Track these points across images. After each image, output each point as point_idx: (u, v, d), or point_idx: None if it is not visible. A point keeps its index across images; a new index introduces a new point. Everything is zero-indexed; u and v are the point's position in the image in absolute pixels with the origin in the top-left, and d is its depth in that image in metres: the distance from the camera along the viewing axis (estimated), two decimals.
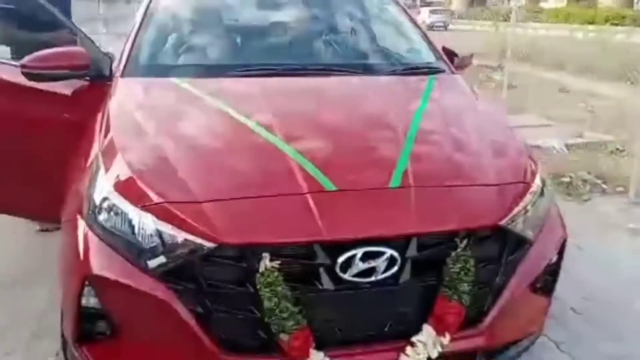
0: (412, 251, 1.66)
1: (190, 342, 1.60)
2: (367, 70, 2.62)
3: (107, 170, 1.78)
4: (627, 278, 3.08)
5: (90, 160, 1.91)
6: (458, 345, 1.75)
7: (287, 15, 2.90)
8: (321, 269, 1.60)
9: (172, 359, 1.67)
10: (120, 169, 1.77)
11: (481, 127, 2.19)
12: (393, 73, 2.62)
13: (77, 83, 2.49)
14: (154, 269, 1.59)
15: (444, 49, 2.91)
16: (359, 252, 1.59)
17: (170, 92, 2.29)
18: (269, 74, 2.41)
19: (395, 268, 1.64)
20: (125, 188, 1.70)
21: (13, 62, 2.52)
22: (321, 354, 1.62)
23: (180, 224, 1.58)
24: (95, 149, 1.93)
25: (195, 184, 1.68)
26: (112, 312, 1.67)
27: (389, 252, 1.62)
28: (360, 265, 1.60)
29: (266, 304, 1.55)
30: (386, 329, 1.72)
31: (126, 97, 2.25)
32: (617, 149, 5.60)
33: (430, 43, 2.89)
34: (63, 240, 1.89)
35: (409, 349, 1.69)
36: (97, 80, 2.46)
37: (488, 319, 1.80)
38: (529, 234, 1.87)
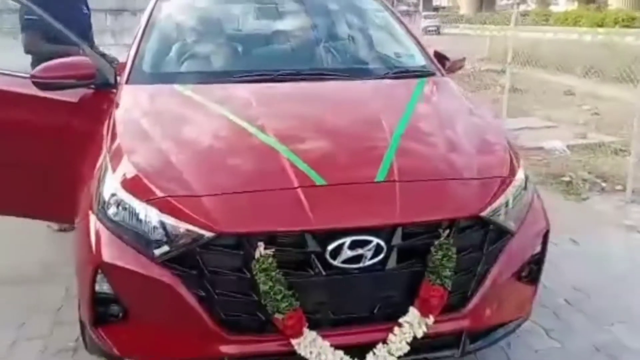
0: (397, 240, 1.79)
1: (194, 323, 1.76)
2: (359, 74, 2.77)
3: (114, 170, 1.94)
4: (618, 272, 3.17)
5: (99, 163, 2.06)
6: (444, 327, 1.90)
7: (283, 23, 3.06)
8: (312, 256, 1.74)
9: (178, 339, 1.82)
10: (126, 169, 1.93)
11: (467, 125, 2.32)
12: (384, 77, 2.75)
13: (84, 91, 2.64)
14: (159, 257, 1.75)
15: (435, 52, 3.04)
16: (347, 240, 1.73)
17: (171, 98, 2.45)
18: (265, 79, 2.56)
19: (382, 255, 1.77)
20: (131, 185, 1.86)
21: (23, 74, 2.66)
22: (314, 333, 1.77)
23: (182, 216, 1.73)
24: (103, 152, 2.08)
25: (196, 180, 1.84)
26: (123, 297, 1.84)
27: (375, 240, 1.75)
28: (348, 253, 1.74)
29: (262, 287, 1.69)
30: (375, 312, 1.86)
31: (130, 103, 2.40)
32: (621, 149, 5.68)
33: (422, 47, 3.01)
34: (77, 234, 2.06)
35: (396, 329, 1.83)
36: (103, 89, 2.61)
37: (472, 303, 1.93)
38: (511, 225, 1.98)
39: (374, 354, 1.81)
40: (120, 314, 1.86)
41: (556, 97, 8.78)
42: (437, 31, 24.24)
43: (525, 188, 2.11)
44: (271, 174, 1.88)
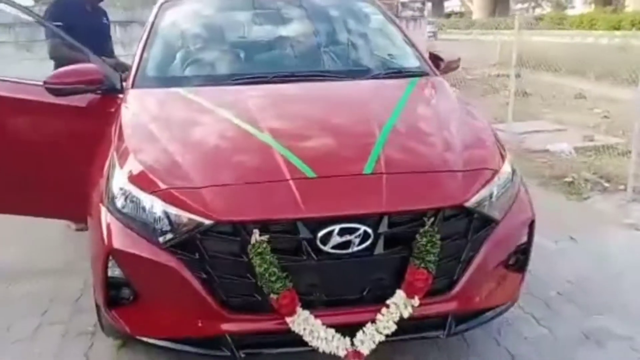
0: (383, 228, 1.94)
1: (198, 304, 1.93)
2: (354, 75, 2.91)
3: (122, 167, 2.12)
4: (615, 267, 3.24)
5: (107, 161, 2.24)
6: (431, 309, 2.04)
7: (280, 28, 3.22)
8: (304, 242, 1.90)
9: (184, 318, 2.00)
10: (132, 165, 2.11)
11: (455, 121, 2.45)
12: (379, 77, 2.90)
13: (91, 96, 2.82)
14: (164, 243, 1.92)
15: (430, 54, 3.18)
16: (336, 227, 1.88)
17: (174, 100, 2.62)
18: (263, 81, 2.73)
19: (369, 242, 1.92)
20: (137, 179, 2.04)
21: (35, 82, 2.83)
22: (307, 312, 1.93)
23: (184, 206, 1.90)
24: (111, 151, 2.26)
25: (196, 173, 2.01)
26: (133, 280, 2.03)
27: (363, 228, 1.90)
28: (337, 239, 1.89)
29: (257, 270, 1.86)
30: (365, 294, 2.01)
31: (136, 105, 2.59)
32: (628, 151, 5.71)
33: (415, 49, 3.14)
34: (90, 226, 2.24)
35: (384, 310, 1.97)
36: (110, 93, 2.80)
37: (458, 287, 2.07)
38: (495, 214, 2.11)
39: (364, 332, 1.96)
40: (131, 297, 2.05)
41: (567, 100, 8.82)
42: (435, 36, 24.95)
43: (511, 180, 2.24)
44: (266, 168, 2.04)
